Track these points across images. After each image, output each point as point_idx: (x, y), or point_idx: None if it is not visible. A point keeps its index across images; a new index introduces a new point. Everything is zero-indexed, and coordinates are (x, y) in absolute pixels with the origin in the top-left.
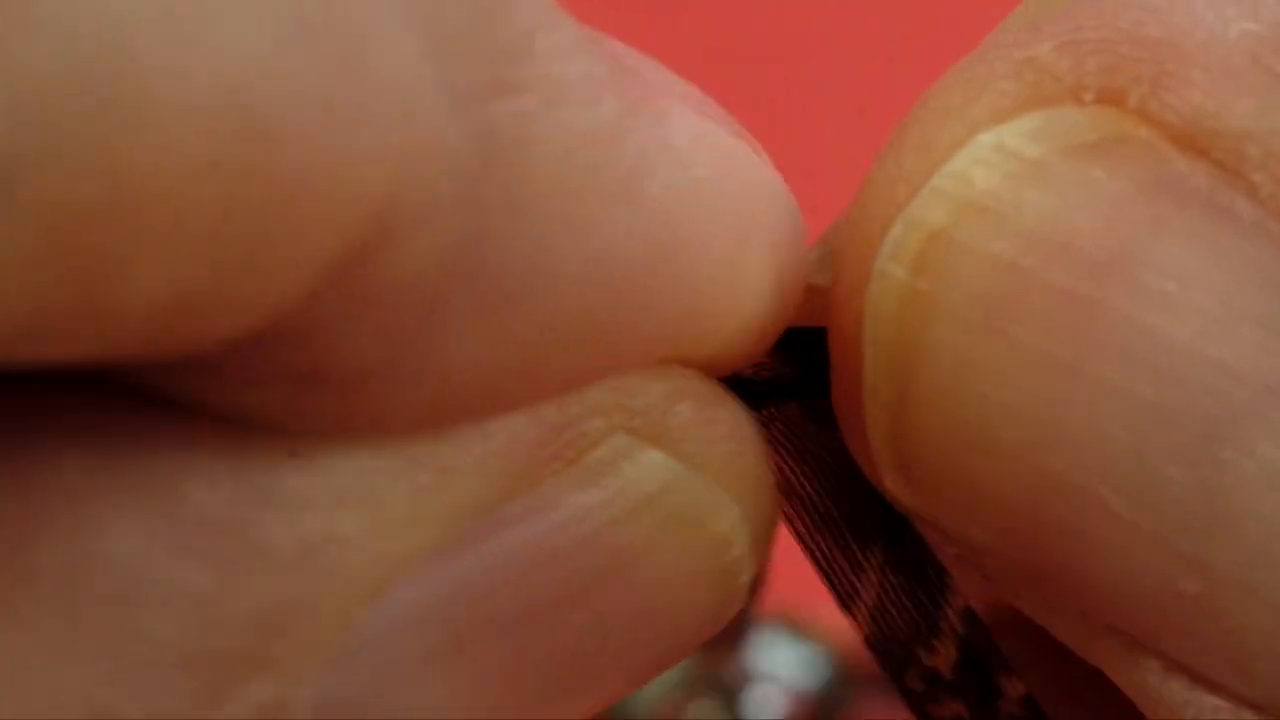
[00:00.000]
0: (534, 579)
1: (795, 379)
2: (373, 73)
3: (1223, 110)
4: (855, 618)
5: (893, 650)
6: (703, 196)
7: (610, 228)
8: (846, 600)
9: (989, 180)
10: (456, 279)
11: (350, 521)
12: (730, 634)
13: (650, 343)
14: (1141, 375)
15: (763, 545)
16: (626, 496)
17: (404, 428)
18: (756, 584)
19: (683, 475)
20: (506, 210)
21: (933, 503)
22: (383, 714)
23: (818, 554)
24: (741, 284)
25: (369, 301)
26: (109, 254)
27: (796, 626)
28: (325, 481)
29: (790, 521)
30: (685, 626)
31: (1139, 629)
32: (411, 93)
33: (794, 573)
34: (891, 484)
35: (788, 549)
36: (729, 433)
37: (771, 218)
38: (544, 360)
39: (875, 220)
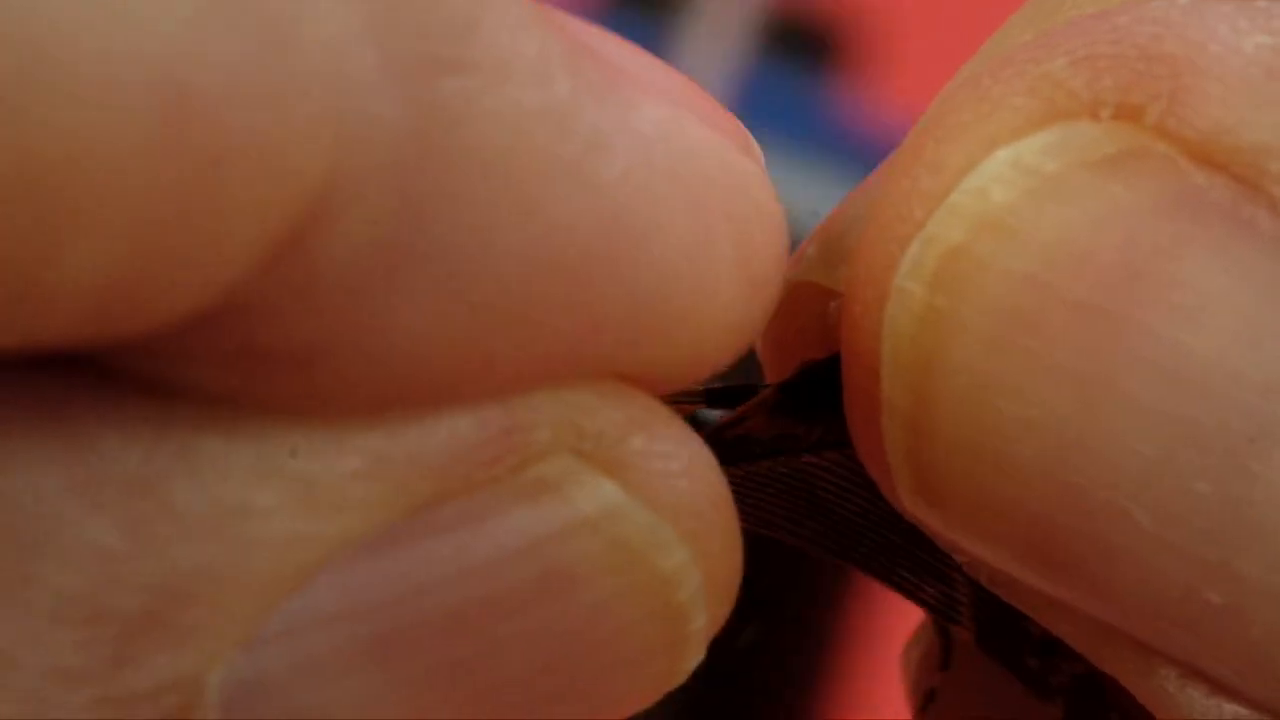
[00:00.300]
0: (465, 587)
1: (825, 424)
2: (304, 45)
3: (1241, 124)
4: (961, 625)
5: (1003, 637)
6: (664, 185)
7: (559, 207)
8: (947, 615)
9: (1007, 196)
10: (400, 254)
11: (269, 495)
12: None
13: (608, 340)
14: (1166, 390)
15: (720, 593)
16: (567, 518)
17: (356, 412)
18: (711, 633)
19: (628, 506)
20: (450, 185)
21: (951, 519)
22: (300, 707)
23: (904, 584)
24: (706, 280)
25: (312, 276)
26: (38, 236)
27: None
28: (247, 450)
29: (862, 561)
30: (630, 664)
31: (1159, 639)
32: (345, 65)
33: None
34: (909, 501)
35: None
36: (684, 470)
37: (746, 215)
38: (495, 347)
39: (892, 238)
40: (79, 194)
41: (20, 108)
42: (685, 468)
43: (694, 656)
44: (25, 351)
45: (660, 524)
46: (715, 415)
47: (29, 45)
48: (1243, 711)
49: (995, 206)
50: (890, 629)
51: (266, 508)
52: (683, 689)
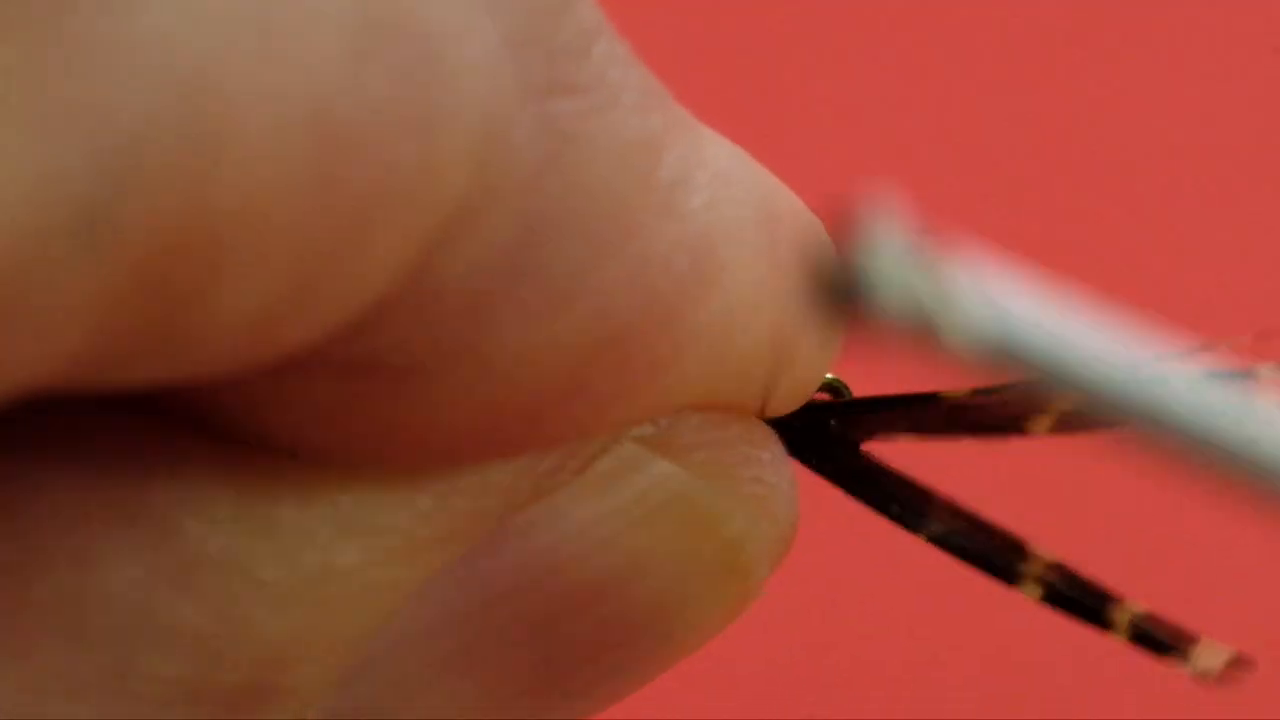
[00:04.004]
0: (542, 588)
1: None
2: (450, 69)
3: None
4: None
5: None
6: (739, 218)
7: (654, 235)
8: None
9: None
10: (509, 275)
11: (350, 553)
12: None
13: (688, 372)
14: None
15: (783, 543)
16: (636, 507)
17: (444, 446)
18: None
19: (692, 485)
20: (560, 209)
21: None
22: None
23: None
24: (778, 313)
25: (429, 291)
26: (191, 280)
27: None
28: (324, 513)
29: None
30: (697, 626)
31: None
32: (489, 89)
33: None
34: None
35: None
36: (739, 437)
37: (807, 247)
38: (586, 374)
39: None
40: (235, 237)
41: (190, 166)
42: (740, 435)
43: (753, 600)
44: (167, 383)
45: (724, 494)
46: None
47: (190, 102)
48: None
49: None
50: None
51: (349, 566)
52: None
